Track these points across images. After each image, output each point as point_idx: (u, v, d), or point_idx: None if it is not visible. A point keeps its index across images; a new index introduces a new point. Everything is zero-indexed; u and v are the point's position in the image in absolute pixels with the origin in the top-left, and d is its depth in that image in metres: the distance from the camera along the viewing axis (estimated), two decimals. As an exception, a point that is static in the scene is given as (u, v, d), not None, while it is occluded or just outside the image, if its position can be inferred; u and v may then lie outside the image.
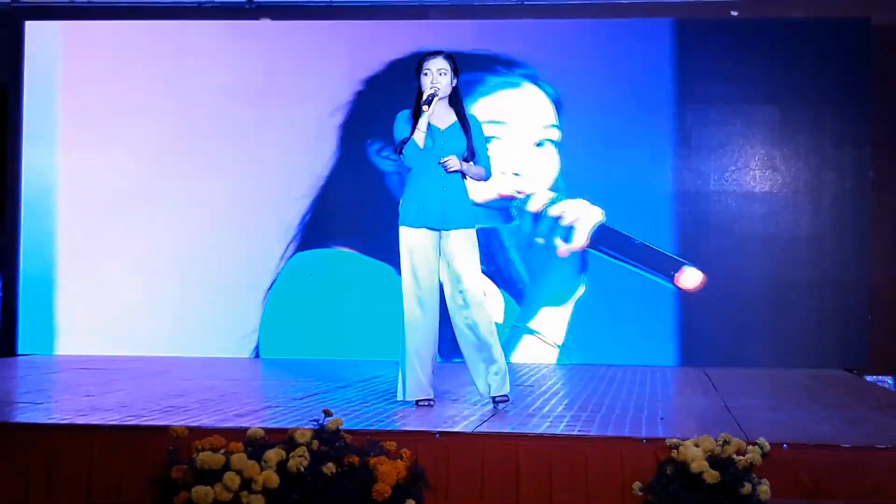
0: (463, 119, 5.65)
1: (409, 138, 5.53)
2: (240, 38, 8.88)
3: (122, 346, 8.71)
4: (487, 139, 5.88)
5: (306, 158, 8.75)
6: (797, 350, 8.37)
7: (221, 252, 8.80)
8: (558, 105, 8.55)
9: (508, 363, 5.93)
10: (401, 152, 5.57)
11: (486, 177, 5.74)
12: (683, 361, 8.36)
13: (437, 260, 5.65)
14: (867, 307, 8.36)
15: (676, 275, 8.38)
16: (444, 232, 5.62)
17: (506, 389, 5.67)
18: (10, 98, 9.15)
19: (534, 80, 8.56)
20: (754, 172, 8.50)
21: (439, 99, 5.58)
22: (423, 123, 5.51)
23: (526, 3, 8.84)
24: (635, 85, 8.53)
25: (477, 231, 5.72)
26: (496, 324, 5.90)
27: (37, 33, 8.99)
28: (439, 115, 5.63)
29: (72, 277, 8.87)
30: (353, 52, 8.76)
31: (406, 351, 5.68)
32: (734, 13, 8.66)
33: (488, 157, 5.73)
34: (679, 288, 8.40)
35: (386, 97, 8.68)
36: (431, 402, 5.67)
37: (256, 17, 9.03)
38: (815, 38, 8.46)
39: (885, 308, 8.44)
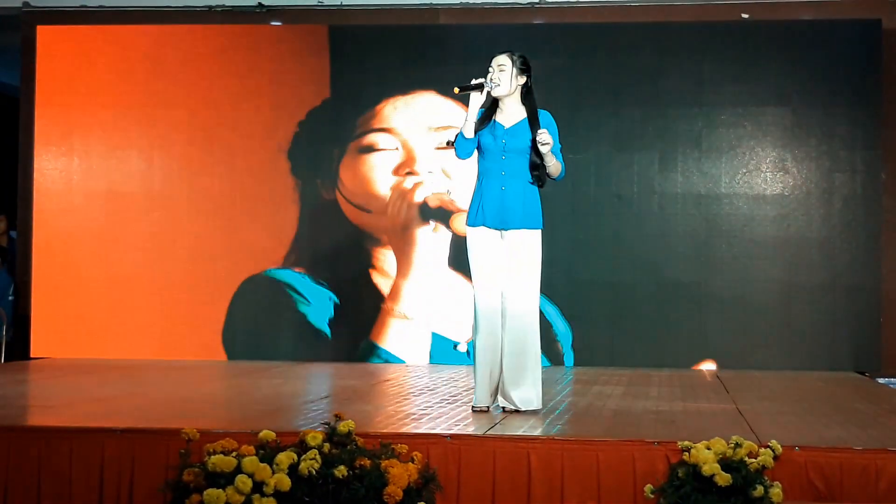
0: (533, 117, 5.50)
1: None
2: (250, 41, 8.89)
3: (134, 349, 8.72)
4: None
5: (313, 163, 8.78)
6: (809, 352, 8.34)
7: (234, 255, 8.80)
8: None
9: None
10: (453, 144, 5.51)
11: (559, 175, 5.54)
12: (694, 363, 8.35)
13: (499, 261, 5.48)
14: (879, 309, 8.33)
15: None
16: (503, 232, 5.49)
17: (512, 405, 5.45)
18: (22, 102, 9.18)
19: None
20: (765, 175, 8.48)
21: (505, 96, 5.47)
22: (471, 114, 5.44)
23: (538, 5, 8.84)
24: (646, 87, 8.52)
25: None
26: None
27: (49, 38, 9.01)
28: (507, 112, 5.52)
29: (84, 281, 8.87)
30: (363, 55, 8.77)
31: (473, 354, 5.59)
32: (745, 15, 8.65)
33: (561, 157, 5.52)
34: None
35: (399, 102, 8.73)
36: (485, 410, 5.49)
37: (267, 21, 9.04)
38: (826, 40, 8.43)
39: (896, 310, 8.43)
